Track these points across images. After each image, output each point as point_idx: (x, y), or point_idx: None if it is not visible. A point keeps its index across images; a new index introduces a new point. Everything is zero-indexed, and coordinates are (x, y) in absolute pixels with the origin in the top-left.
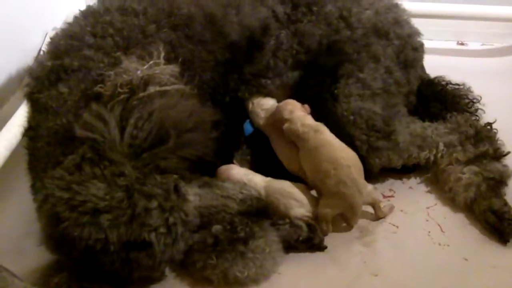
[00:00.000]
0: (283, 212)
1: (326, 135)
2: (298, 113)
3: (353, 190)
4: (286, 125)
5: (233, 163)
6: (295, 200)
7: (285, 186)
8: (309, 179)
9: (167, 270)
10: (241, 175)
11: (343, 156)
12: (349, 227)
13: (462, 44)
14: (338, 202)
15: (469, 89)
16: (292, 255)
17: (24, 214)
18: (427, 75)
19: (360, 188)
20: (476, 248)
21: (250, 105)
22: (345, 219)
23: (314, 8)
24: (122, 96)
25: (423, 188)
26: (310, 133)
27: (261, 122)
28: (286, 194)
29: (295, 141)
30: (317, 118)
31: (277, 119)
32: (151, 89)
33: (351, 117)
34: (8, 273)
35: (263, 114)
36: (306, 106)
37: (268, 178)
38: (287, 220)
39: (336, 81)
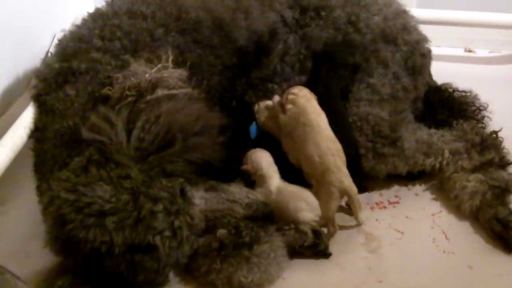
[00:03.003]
0: (291, 214)
1: (318, 119)
2: (306, 93)
3: (340, 175)
4: (291, 96)
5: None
6: (305, 203)
7: (297, 189)
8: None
9: (171, 274)
10: (264, 162)
11: (329, 145)
12: (357, 222)
13: (469, 51)
14: (331, 191)
15: (476, 97)
16: (296, 260)
17: (29, 215)
18: (434, 81)
19: (347, 174)
20: (481, 256)
21: (256, 107)
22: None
23: (323, 13)
24: (130, 99)
25: (428, 195)
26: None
27: (264, 119)
28: (297, 197)
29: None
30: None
31: (284, 98)
32: (159, 92)
33: (358, 123)
34: (11, 275)
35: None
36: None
37: (282, 181)
38: (293, 226)
39: (351, 71)
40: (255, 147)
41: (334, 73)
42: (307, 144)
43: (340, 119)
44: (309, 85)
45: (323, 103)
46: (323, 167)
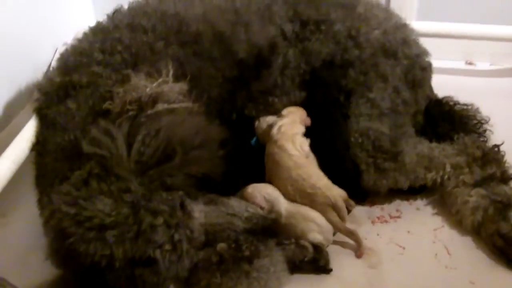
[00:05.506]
0: (300, 236)
1: (284, 152)
2: (292, 117)
3: (320, 191)
4: (276, 118)
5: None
6: (316, 224)
7: (306, 210)
8: None
9: None
10: (263, 192)
11: (298, 172)
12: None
13: (470, 64)
14: (324, 209)
15: (477, 110)
16: (297, 275)
17: (30, 228)
18: (435, 95)
19: (329, 186)
20: (483, 272)
21: (257, 122)
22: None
23: (323, 27)
24: (130, 113)
25: (430, 209)
26: (274, 138)
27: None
28: (308, 218)
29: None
30: (323, 137)
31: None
32: (159, 106)
33: (360, 139)
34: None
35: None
36: (308, 119)
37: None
38: (293, 240)
39: (342, 92)
40: (255, 161)
41: (329, 97)
42: (280, 180)
43: (341, 138)
44: (306, 106)
45: (320, 126)
46: (300, 195)
